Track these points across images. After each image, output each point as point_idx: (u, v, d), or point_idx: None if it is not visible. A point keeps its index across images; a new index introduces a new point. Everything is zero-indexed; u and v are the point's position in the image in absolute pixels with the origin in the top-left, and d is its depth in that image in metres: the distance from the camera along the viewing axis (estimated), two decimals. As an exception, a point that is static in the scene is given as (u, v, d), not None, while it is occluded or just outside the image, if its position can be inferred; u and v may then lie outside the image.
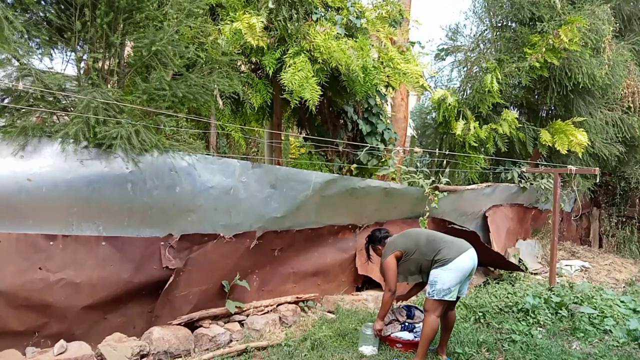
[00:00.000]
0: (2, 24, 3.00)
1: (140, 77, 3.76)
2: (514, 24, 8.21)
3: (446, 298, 3.52)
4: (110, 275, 3.52)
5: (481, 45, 8.48)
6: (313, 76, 4.59)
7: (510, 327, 4.58)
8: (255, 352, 3.88)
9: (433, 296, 3.55)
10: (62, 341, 3.24)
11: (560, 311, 4.99)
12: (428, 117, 8.90)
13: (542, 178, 8.16)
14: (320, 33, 4.73)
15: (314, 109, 4.64)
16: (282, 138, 6.59)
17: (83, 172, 3.27)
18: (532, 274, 7.40)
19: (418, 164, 7.17)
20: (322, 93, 4.70)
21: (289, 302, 4.77)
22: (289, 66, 4.61)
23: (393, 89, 6.08)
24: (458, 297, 3.79)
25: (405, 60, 5.45)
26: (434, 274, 3.58)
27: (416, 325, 4.15)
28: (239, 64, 5.34)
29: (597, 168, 6.22)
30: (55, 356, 3.13)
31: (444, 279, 3.52)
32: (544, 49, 7.12)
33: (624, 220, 10.66)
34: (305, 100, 4.56)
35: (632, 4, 8.82)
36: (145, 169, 3.50)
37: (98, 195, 3.34)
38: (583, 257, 9.15)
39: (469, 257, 3.57)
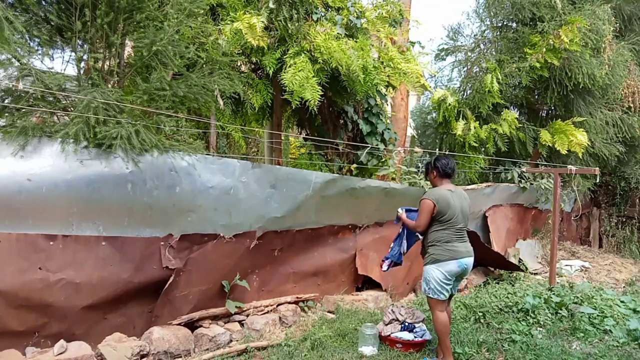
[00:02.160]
0: (2, 25, 3.00)
1: (140, 77, 3.76)
2: (514, 24, 8.21)
3: (441, 298, 3.66)
4: (110, 275, 3.52)
5: (481, 45, 8.49)
6: (313, 76, 4.59)
7: (510, 327, 4.58)
8: (255, 352, 3.88)
9: (429, 294, 3.72)
10: (62, 341, 3.24)
11: (560, 311, 4.99)
12: (428, 117, 8.91)
13: (542, 178, 8.16)
14: (320, 33, 4.73)
15: (314, 109, 4.64)
16: (282, 138, 6.59)
17: (83, 172, 3.27)
18: (532, 274, 7.40)
19: (418, 164, 7.17)
20: (322, 93, 4.70)
21: (289, 302, 4.77)
22: (290, 66, 4.61)
23: (393, 88, 6.08)
24: (451, 295, 3.86)
25: (406, 60, 5.45)
26: (426, 270, 3.73)
27: (416, 325, 4.15)
28: (239, 64, 5.34)
29: (597, 168, 6.22)
30: (55, 356, 3.13)
31: (431, 277, 3.67)
32: (544, 49, 7.13)
33: (624, 220, 10.66)
34: (306, 101, 4.56)
35: (632, 4, 8.81)
36: (145, 169, 3.50)
37: (98, 195, 3.34)
38: (583, 257, 9.15)
39: (457, 265, 3.63)
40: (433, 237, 3.71)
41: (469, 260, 3.69)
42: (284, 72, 4.58)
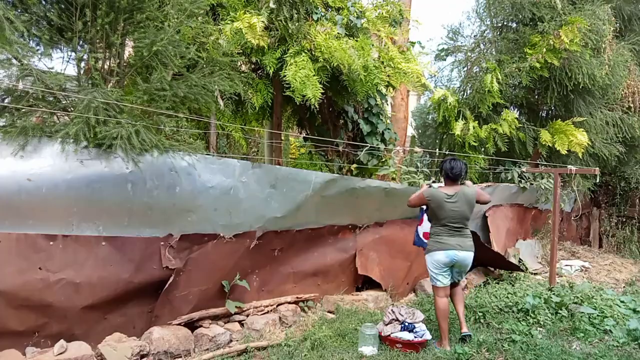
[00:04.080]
0: (3, 25, 3.00)
1: (140, 77, 3.76)
2: (514, 24, 8.21)
3: (438, 284, 4.17)
4: (110, 275, 3.52)
5: (481, 45, 8.48)
6: (314, 75, 4.59)
7: (510, 327, 4.58)
8: (255, 352, 3.88)
9: (433, 283, 4.26)
10: (62, 341, 3.24)
11: (560, 311, 4.99)
12: (428, 117, 8.90)
13: (542, 178, 8.15)
14: (320, 33, 4.73)
15: (315, 105, 4.64)
16: (282, 138, 6.59)
17: (83, 172, 3.27)
18: (532, 274, 7.39)
19: (418, 164, 7.17)
20: (322, 92, 4.69)
21: (289, 302, 4.77)
22: (290, 65, 4.61)
23: (394, 88, 6.08)
24: (459, 282, 4.36)
25: (406, 60, 5.45)
26: (426, 260, 4.29)
27: (416, 325, 4.15)
28: (239, 64, 5.33)
29: (597, 168, 6.21)
30: (55, 356, 3.13)
31: (428, 265, 4.25)
32: (544, 50, 7.12)
33: (624, 220, 10.65)
34: (306, 100, 4.56)
35: (632, 4, 8.81)
36: (145, 169, 3.50)
37: (98, 195, 3.34)
38: (583, 257, 9.15)
39: (444, 255, 4.10)
40: (432, 231, 4.29)
41: (460, 254, 4.10)
42: (286, 69, 4.58)
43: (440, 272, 4.14)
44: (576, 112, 8.02)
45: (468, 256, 4.14)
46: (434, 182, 4.82)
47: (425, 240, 4.64)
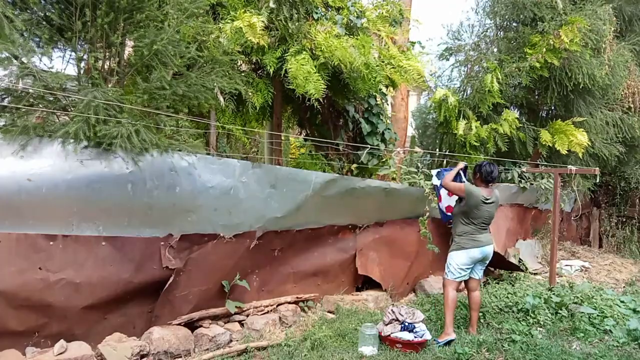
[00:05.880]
0: (2, 23, 3.00)
1: (140, 76, 3.76)
2: (515, 24, 8.20)
3: (457, 280, 4.41)
4: (110, 275, 3.52)
5: (482, 45, 8.47)
6: (315, 72, 4.58)
7: (510, 327, 4.58)
8: (255, 352, 3.88)
9: (447, 276, 4.46)
10: (62, 341, 3.24)
11: (560, 311, 4.99)
12: (429, 117, 8.89)
13: (542, 178, 8.15)
14: (321, 32, 4.72)
15: (319, 101, 4.62)
16: (282, 138, 6.58)
17: (83, 172, 3.26)
18: (532, 274, 7.39)
19: (419, 164, 7.16)
20: (324, 90, 4.68)
21: (289, 302, 4.77)
22: (292, 63, 4.60)
23: (395, 87, 6.07)
24: (479, 280, 4.59)
25: (407, 58, 5.44)
26: (450, 255, 4.47)
27: (416, 325, 4.15)
28: (239, 63, 5.33)
29: (597, 168, 6.20)
30: (55, 356, 3.13)
31: (453, 261, 4.40)
32: (544, 49, 7.11)
33: (624, 220, 10.65)
34: (307, 99, 4.55)
35: (633, 4, 8.80)
36: (145, 169, 3.50)
37: (98, 195, 3.34)
38: (583, 257, 9.15)
39: (479, 252, 4.40)
40: (461, 229, 4.44)
41: (489, 248, 4.46)
42: (289, 65, 4.56)
43: (467, 268, 4.40)
44: (576, 112, 8.01)
45: (492, 248, 4.54)
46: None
47: (449, 214, 5.05)
